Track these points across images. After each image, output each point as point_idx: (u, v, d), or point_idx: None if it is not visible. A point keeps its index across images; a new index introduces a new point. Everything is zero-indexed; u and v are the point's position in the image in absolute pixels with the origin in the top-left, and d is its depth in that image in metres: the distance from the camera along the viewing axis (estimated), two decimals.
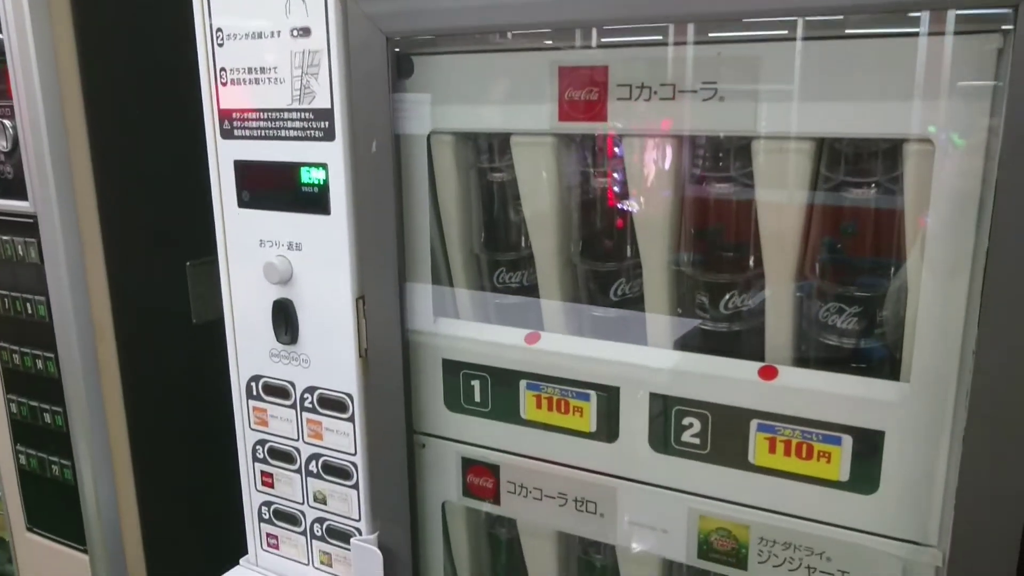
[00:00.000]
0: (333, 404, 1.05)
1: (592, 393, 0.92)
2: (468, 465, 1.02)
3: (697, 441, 0.87)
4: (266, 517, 1.16)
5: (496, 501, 1.01)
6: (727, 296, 0.88)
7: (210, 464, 1.29)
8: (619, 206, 0.93)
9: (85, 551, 1.25)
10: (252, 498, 1.17)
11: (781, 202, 0.79)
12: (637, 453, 0.90)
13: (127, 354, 1.22)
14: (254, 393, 1.11)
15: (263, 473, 1.14)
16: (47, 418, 1.22)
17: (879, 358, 0.83)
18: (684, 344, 0.91)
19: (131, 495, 1.25)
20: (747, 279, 0.87)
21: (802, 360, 0.85)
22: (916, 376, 0.75)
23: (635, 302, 0.94)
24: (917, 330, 0.74)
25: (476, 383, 0.98)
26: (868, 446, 0.78)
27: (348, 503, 1.07)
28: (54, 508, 1.28)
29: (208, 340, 1.15)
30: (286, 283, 1.03)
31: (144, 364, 1.25)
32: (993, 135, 0.66)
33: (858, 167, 0.78)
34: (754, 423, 0.83)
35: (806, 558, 0.83)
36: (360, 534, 1.07)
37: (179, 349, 1.30)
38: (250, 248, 1.05)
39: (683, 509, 0.89)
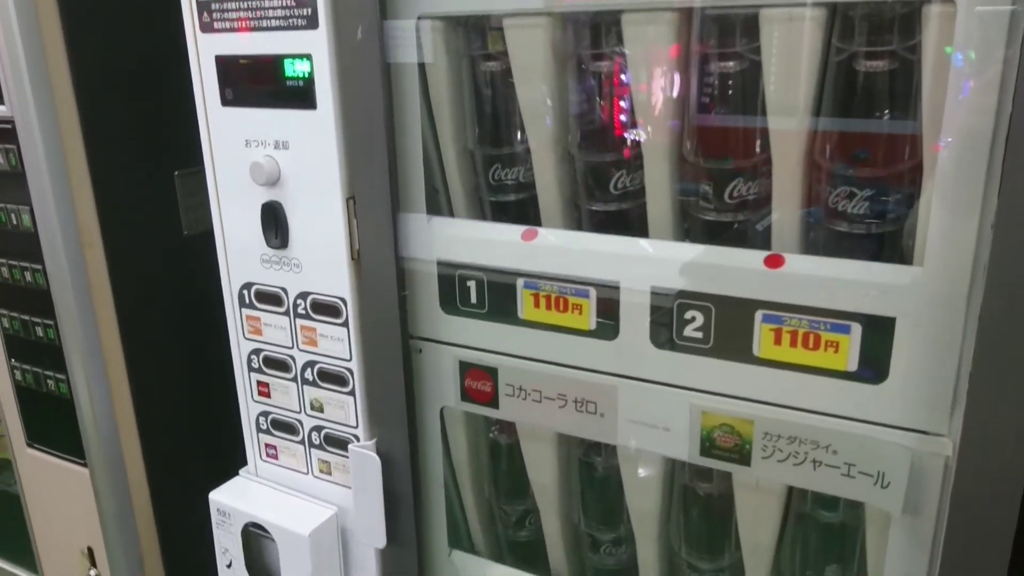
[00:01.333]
0: (326, 309, 1.02)
1: (591, 290, 0.88)
2: (466, 369, 0.99)
3: (700, 336, 0.84)
4: (264, 427, 1.15)
5: (495, 405, 0.98)
6: (732, 184, 0.84)
7: (207, 376, 1.27)
8: (619, 92, 0.88)
9: (85, 465, 1.25)
10: (249, 408, 1.15)
11: (790, 77, 0.75)
12: (638, 350, 0.87)
13: (117, 265, 1.19)
14: (247, 301, 1.09)
15: (259, 383, 1.13)
16: (39, 331, 1.20)
17: (891, 244, 0.80)
18: (687, 237, 0.88)
19: (128, 408, 1.24)
20: (753, 165, 0.83)
21: (811, 250, 0.81)
22: (930, 257, 0.71)
23: (636, 195, 0.91)
24: (933, 208, 0.70)
25: (472, 284, 0.95)
26: (878, 334, 0.75)
27: (345, 410, 1.06)
28: (53, 423, 1.27)
29: (201, 251, 1.12)
30: (274, 184, 1.00)
31: (136, 275, 1.22)
32: None
33: (873, 36, 0.73)
34: (759, 314, 0.80)
35: (811, 452, 0.81)
36: (358, 441, 1.06)
37: (171, 261, 1.27)
38: (236, 149, 1.01)
39: (685, 406, 0.86)
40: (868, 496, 0.80)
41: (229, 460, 1.20)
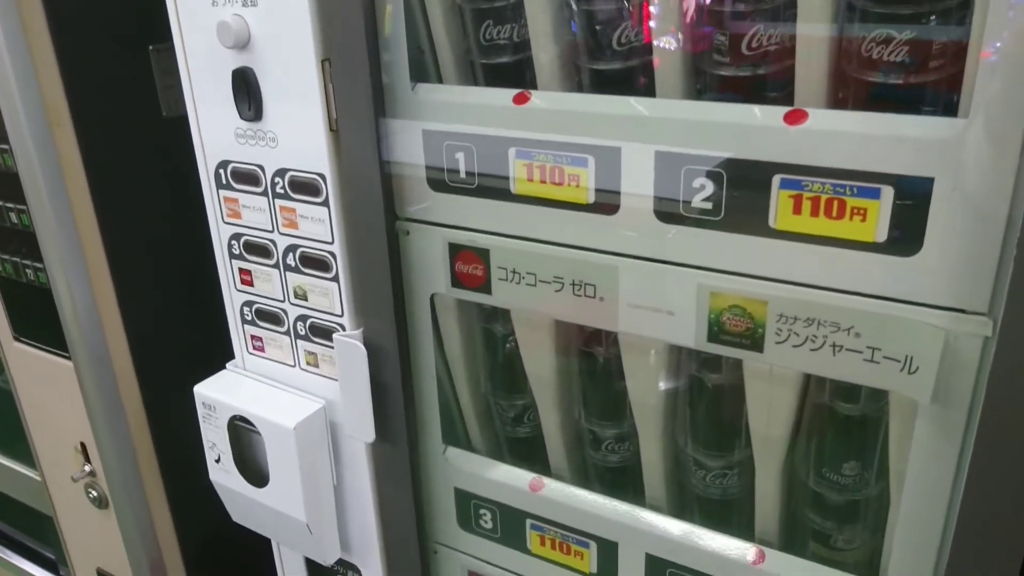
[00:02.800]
0: (305, 187, 0.94)
1: (589, 157, 0.79)
2: (456, 252, 0.91)
3: (709, 206, 0.74)
4: (248, 318, 1.09)
5: (487, 290, 0.91)
6: (751, 33, 0.73)
7: (192, 265, 1.21)
8: None
9: (70, 358, 1.20)
10: (233, 298, 1.09)
11: None
12: (640, 225, 0.79)
13: (90, 146, 1.11)
14: (223, 181, 1.01)
15: (241, 271, 1.06)
16: (12, 217, 1.14)
17: (931, 98, 0.69)
18: (699, 94, 0.78)
19: (110, 297, 1.18)
20: (775, 9, 0.72)
21: (839, 106, 0.71)
22: (976, 106, 0.61)
23: (642, 52, 0.80)
24: (982, 52, 0.59)
25: (460, 155, 0.86)
26: (912, 198, 0.66)
27: (329, 298, 0.99)
28: (36, 315, 1.23)
29: (182, 135, 1.03)
30: (244, 47, 0.91)
31: (111, 158, 1.15)
32: None
33: None
34: (777, 179, 0.70)
35: (831, 335, 0.73)
36: (343, 331, 0.99)
37: (150, 143, 1.19)
38: (203, 8, 0.92)
39: (692, 286, 0.78)
40: (893, 383, 0.72)
41: (220, 352, 1.15)
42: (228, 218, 1.03)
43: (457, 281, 0.93)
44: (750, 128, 0.71)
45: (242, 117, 0.94)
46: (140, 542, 1.33)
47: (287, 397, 1.07)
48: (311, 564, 1.24)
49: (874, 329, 0.71)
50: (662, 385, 0.88)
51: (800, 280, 0.73)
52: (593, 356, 0.96)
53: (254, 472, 1.10)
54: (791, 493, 0.89)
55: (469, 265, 0.91)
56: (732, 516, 0.95)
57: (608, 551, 0.97)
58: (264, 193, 0.98)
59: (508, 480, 1.02)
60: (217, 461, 1.12)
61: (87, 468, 1.32)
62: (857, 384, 0.79)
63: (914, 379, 0.70)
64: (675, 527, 0.92)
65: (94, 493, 1.35)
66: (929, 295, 0.68)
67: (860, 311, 0.71)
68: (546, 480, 1.01)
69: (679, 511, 0.96)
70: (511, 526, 1.03)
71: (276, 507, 1.08)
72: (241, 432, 1.09)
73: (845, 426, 0.82)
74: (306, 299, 1.01)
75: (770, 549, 0.88)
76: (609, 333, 0.91)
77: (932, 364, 0.68)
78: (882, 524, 0.85)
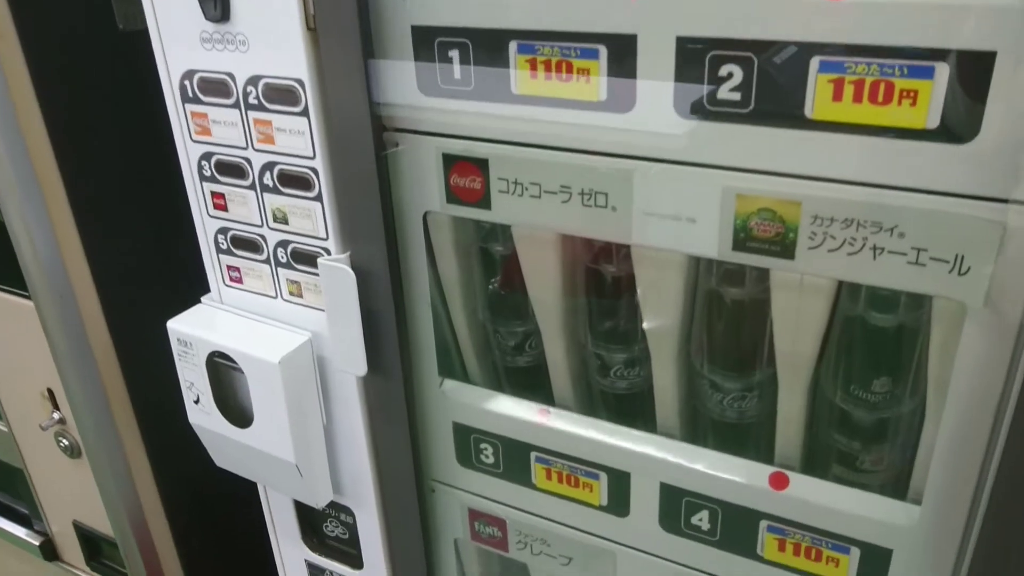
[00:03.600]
0: (282, 96, 0.85)
1: (601, 49, 0.71)
2: (451, 163, 0.83)
3: (737, 98, 0.67)
4: (224, 247, 1.00)
5: (486, 205, 0.83)
6: None
7: (160, 194, 1.12)
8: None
9: (29, 296, 1.11)
10: (206, 225, 1.00)
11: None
12: (658, 122, 0.71)
13: (38, 61, 1.01)
14: (190, 94, 0.92)
15: (214, 194, 0.97)
16: None
17: None
18: None
19: (71, 230, 1.09)
20: None
21: None
22: None
23: None
24: None
25: (456, 52, 0.78)
26: (970, 74, 0.59)
27: (312, 220, 0.91)
28: None
29: (142, 50, 0.93)
30: None
31: (63, 74, 1.04)
32: None
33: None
34: (815, 62, 0.63)
35: (871, 236, 0.66)
36: (328, 255, 0.91)
37: (106, 61, 1.09)
38: None
39: (716, 189, 0.71)
40: (940, 287, 0.66)
41: (194, 286, 1.07)
42: (197, 136, 0.94)
43: (453, 196, 0.85)
44: (782, 5, 0.63)
45: (207, 17, 0.85)
46: (117, 492, 1.26)
47: (270, 330, 0.99)
48: (301, 508, 1.18)
49: (920, 227, 0.64)
50: (678, 303, 0.81)
51: (839, 176, 0.66)
52: (602, 275, 0.89)
53: (237, 412, 1.03)
54: (815, 414, 0.84)
55: (466, 178, 0.83)
56: (750, 442, 0.90)
57: (620, 482, 0.91)
58: (235, 105, 0.89)
59: (511, 411, 0.96)
60: (196, 402, 1.04)
61: (56, 416, 1.24)
62: (896, 292, 0.73)
63: (965, 281, 0.64)
64: (692, 454, 0.87)
65: (65, 442, 1.27)
66: (984, 186, 0.61)
67: (905, 208, 0.64)
68: (552, 410, 0.95)
69: (693, 439, 0.91)
70: (514, 460, 0.98)
71: (262, 448, 1.01)
72: (221, 370, 1.02)
73: (879, 338, 0.76)
74: (286, 222, 0.93)
75: (794, 473, 0.83)
76: (620, 248, 0.84)
77: (986, 263, 0.62)
78: (913, 443, 0.80)
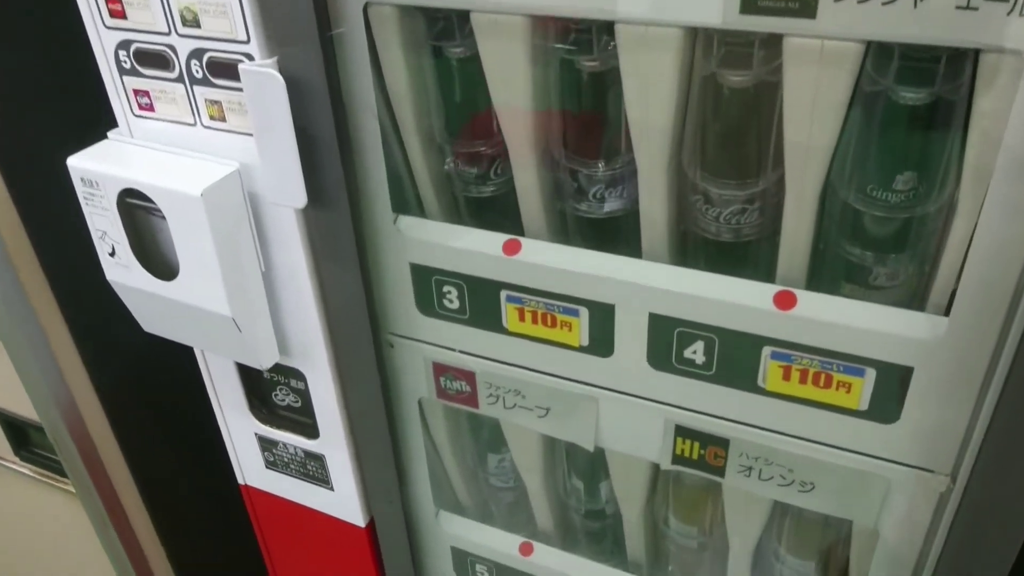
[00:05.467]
0: None
1: None
2: None
3: None
4: (127, 66, 0.84)
5: None
6: None
7: (45, 14, 0.94)
8: None
9: None
10: (103, 40, 0.84)
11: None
12: None
13: None
14: None
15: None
16: None
17: None
18: None
19: None
20: None
21: None
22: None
23: None
24: None
25: None
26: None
27: (229, 18, 0.75)
28: None
29: None
30: None
31: None
32: None
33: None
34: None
35: None
36: (251, 60, 0.76)
37: None
38: None
39: None
40: (992, 35, 0.54)
41: (100, 123, 0.91)
42: None
43: None
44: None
45: None
46: (37, 368, 1.12)
47: (190, 163, 0.85)
48: (246, 376, 1.06)
49: None
50: (671, 97, 0.69)
51: None
52: (580, 72, 0.75)
53: (160, 264, 0.90)
54: (824, 225, 0.73)
55: None
56: (748, 264, 0.80)
57: (602, 317, 0.81)
58: None
59: (476, 246, 0.84)
60: (112, 255, 0.90)
61: None
62: (935, 56, 0.61)
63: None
64: (686, 278, 0.77)
65: None
66: None
67: None
68: (523, 240, 0.83)
69: (684, 265, 0.80)
70: (482, 302, 0.86)
71: (192, 303, 0.88)
72: (137, 214, 0.87)
73: (908, 120, 0.65)
74: (198, 24, 0.77)
75: (802, 291, 0.73)
76: (603, 33, 0.71)
77: None
78: (934, 252, 0.71)
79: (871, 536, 0.83)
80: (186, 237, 0.84)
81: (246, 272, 0.87)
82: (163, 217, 0.84)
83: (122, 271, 0.90)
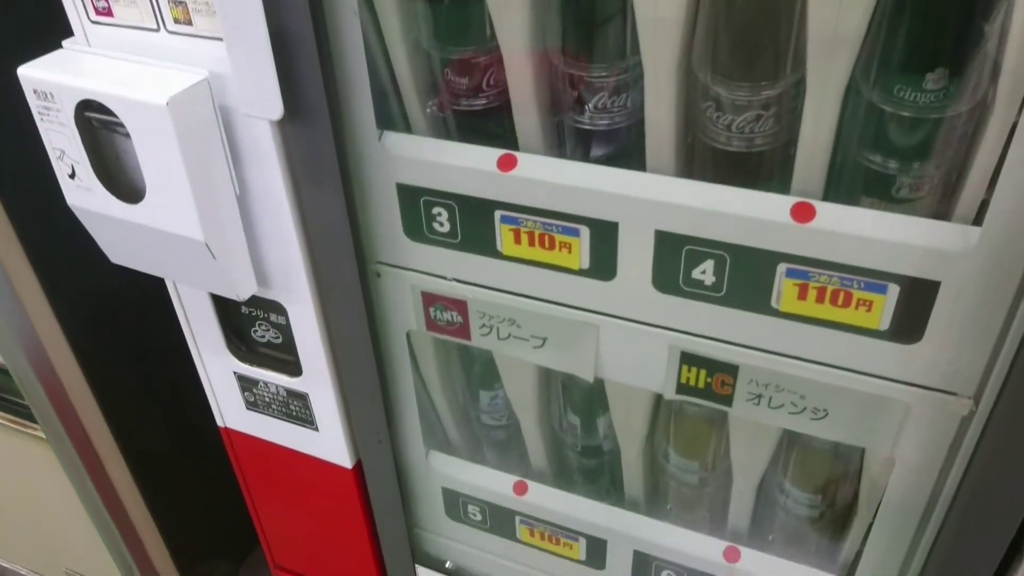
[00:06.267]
0: None
1: None
2: None
3: None
4: None
5: None
6: None
7: None
8: None
9: None
10: None
11: None
12: None
13: None
14: None
15: None
16: None
17: None
18: None
19: None
20: None
21: None
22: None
23: None
24: None
25: None
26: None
27: None
28: None
29: None
30: None
31: None
32: None
33: None
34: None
35: None
36: None
37: None
38: None
39: None
40: None
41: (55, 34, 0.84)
42: None
43: None
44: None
45: None
46: (4, 318, 1.06)
47: (154, 71, 0.77)
48: (222, 308, 1.00)
49: None
50: None
51: None
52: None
53: (125, 186, 0.83)
54: (844, 132, 0.68)
55: None
56: (760, 177, 0.74)
57: (604, 237, 0.76)
58: None
59: (468, 162, 0.78)
60: (72, 176, 0.83)
61: None
62: None
63: None
64: (694, 191, 0.71)
65: None
66: None
67: None
68: (519, 155, 0.77)
69: (691, 178, 0.75)
70: (475, 224, 0.81)
71: (161, 227, 0.82)
72: (98, 131, 0.80)
73: (943, 7, 0.59)
74: None
75: (821, 202, 0.68)
76: None
77: None
78: (966, 157, 0.66)
79: (885, 465, 0.79)
80: (152, 154, 0.77)
81: (219, 193, 0.81)
82: (126, 134, 0.77)
83: (83, 194, 0.84)
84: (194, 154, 0.76)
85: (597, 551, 1.04)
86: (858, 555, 0.91)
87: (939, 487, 0.77)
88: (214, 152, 0.79)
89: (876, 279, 0.67)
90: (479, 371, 1.05)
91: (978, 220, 0.63)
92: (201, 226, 0.79)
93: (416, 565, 1.18)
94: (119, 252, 0.90)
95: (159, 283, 0.98)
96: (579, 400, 1.01)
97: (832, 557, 0.96)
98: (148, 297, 1.01)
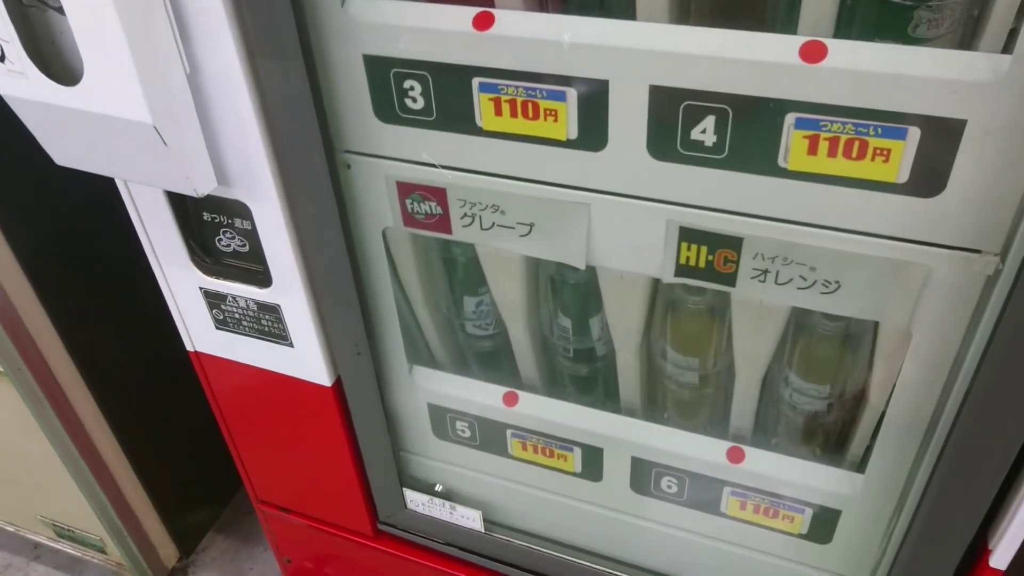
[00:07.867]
0: None
1: None
2: None
3: None
4: None
5: None
6: None
7: None
8: None
9: None
10: None
11: None
12: None
13: None
14: None
15: None
16: None
17: None
18: None
19: None
20: None
21: None
22: None
23: None
24: None
25: None
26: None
27: None
28: None
29: None
30: None
31: None
32: None
33: None
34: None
35: None
36: None
37: None
38: None
39: None
40: None
41: None
42: None
43: None
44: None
45: None
46: None
47: None
48: (182, 216, 0.93)
49: None
50: None
51: None
52: None
53: (63, 70, 0.75)
54: None
55: None
56: (763, 21, 0.68)
57: (594, 99, 0.69)
58: None
59: (440, 23, 0.71)
60: (1, 60, 0.75)
61: None
62: None
63: None
64: (691, 38, 0.64)
65: None
66: None
67: None
68: (496, 12, 0.70)
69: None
70: (451, 96, 0.74)
71: (103, 110, 0.74)
72: (28, 9, 0.72)
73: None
74: None
75: (833, 40, 0.62)
76: None
77: None
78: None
79: (900, 342, 0.74)
80: (87, 25, 0.69)
81: (166, 70, 0.73)
82: (59, 8, 0.69)
83: (16, 80, 0.75)
84: (135, 22, 0.68)
85: (593, 461, 0.99)
86: (868, 449, 0.86)
87: (959, 361, 0.72)
88: (158, 21, 0.71)
89: (894, 122, 0.61)
90: (462, 275, 0.99)
91: (1007, 51, 0.57)
92: (148, 106, 0.72)
93: (404, 489, 1.13)
94: (63, 150, 0.82)
95: (117, 195, 0.91)
96: (570, 299, 0.95)
97: (840, 453, 0.92)
98: (105, 213, 0.94)
